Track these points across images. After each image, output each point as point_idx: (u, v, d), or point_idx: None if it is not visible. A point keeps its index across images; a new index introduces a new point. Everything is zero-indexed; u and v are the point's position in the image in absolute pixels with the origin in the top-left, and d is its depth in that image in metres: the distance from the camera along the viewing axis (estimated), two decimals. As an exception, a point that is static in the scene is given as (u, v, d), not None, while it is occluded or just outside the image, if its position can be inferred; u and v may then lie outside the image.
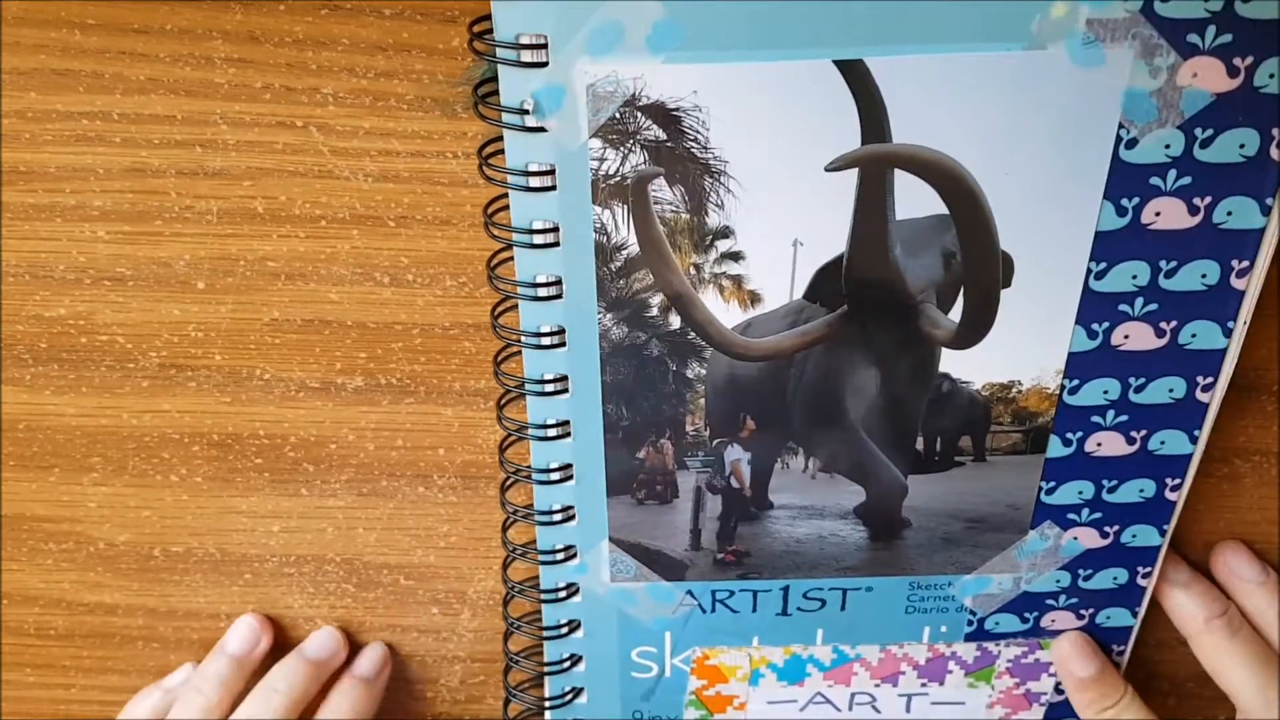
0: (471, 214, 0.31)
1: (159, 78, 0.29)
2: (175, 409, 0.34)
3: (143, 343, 0.33)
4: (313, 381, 0.33)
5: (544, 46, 0.26)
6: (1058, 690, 0.38)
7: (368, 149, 0.30)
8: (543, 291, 0.29)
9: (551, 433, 0.32)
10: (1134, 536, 0.34)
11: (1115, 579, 0.35)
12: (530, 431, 0.32)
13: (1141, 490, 0.33)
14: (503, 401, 0.32)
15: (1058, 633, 0.36)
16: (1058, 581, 0.35)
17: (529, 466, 0.33)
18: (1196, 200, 0.28)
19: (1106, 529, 0.34)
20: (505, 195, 0.29)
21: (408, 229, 0.31)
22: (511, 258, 0.29)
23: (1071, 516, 0.34)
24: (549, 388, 0.31)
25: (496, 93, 0.27)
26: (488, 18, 0.27)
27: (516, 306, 0.30)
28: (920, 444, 0.32)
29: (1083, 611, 0.36)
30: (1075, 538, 0.34)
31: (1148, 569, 0.35)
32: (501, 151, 0.28)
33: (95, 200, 0.31)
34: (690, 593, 0.35)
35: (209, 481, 0.35)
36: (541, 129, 0.27)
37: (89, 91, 0.29)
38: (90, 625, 0.38)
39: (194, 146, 0.30)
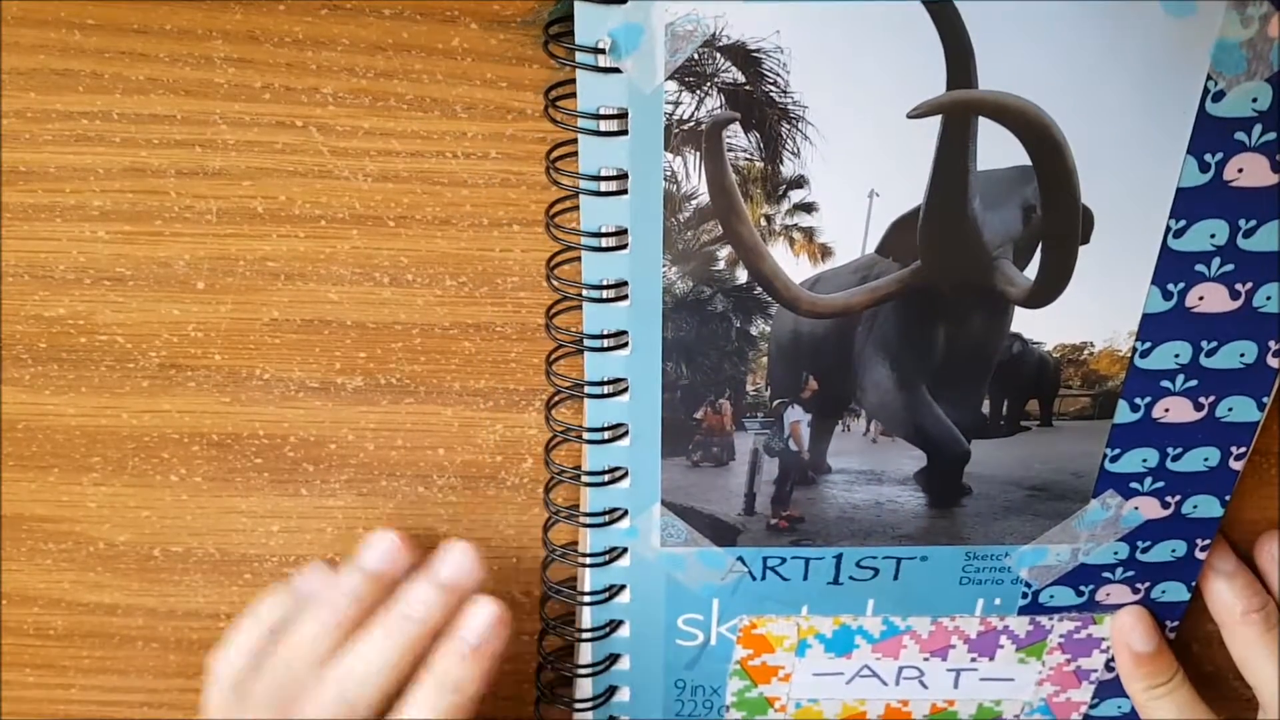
0: (471, 214, 0.31)
1: (159, 78, 0.29)
2: (175, 409, 0.34)
3: (142, 343, 0.33)
4: (312, 381, 0.33)
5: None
6: (1108, 668, 0.37)
7: (367, 149, 0.30)
8: (607, 242, 0.28)
9: (607, 390, 0.31)
10: (1195, 507, 0.33)
11: (1173, 551, 0.34)
12: (586, 389, 0.31)
13: (1206, 459, 0.32)
14: (551, 359, 0.32)
15: (1112, 607, 0.36)
16: (1115, 554, 0.34)
17: (580, 426, 0.32)
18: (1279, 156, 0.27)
19: (1168, 499, 0.33)
20: (569, 142, 0.28)
21: (407, 229, 0.31)
22: (570, 209, 0.29)
23: (1134, 485, 0.33)
24: (609, 342, 0.30)
25: (568, 33, 0.26)
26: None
27: (571, 260, 0.30)
28: (986, 407, 0.31)
29: (1139, 585, 0.35)
30: (1136, 508, 0.33)
31: (1206, 541, 0.34)
32: (569, 96, 0.27)
33: (95, 200, 0.31)
34: (741, 559, 0.34)
35: (209, 481, 0.35)
36: (615, 70, 0.26)
37: (89, 91, 0.29)
38: (89, 625, 0.38)
39: (194, 146, 0.30)
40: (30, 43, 0.29)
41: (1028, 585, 0.35)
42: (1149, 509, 0.33)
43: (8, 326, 0.33)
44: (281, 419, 0.34)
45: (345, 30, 0.28)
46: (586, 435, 0.32)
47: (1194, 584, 0.35)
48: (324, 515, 0.36)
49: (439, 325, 0.32)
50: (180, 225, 0.31)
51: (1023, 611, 0.36)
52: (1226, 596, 0.35)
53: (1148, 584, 0.35)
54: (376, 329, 0.32)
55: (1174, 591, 0.35)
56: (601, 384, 0.31)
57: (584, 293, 0.29)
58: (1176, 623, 0.36)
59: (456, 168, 0.30)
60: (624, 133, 0.27)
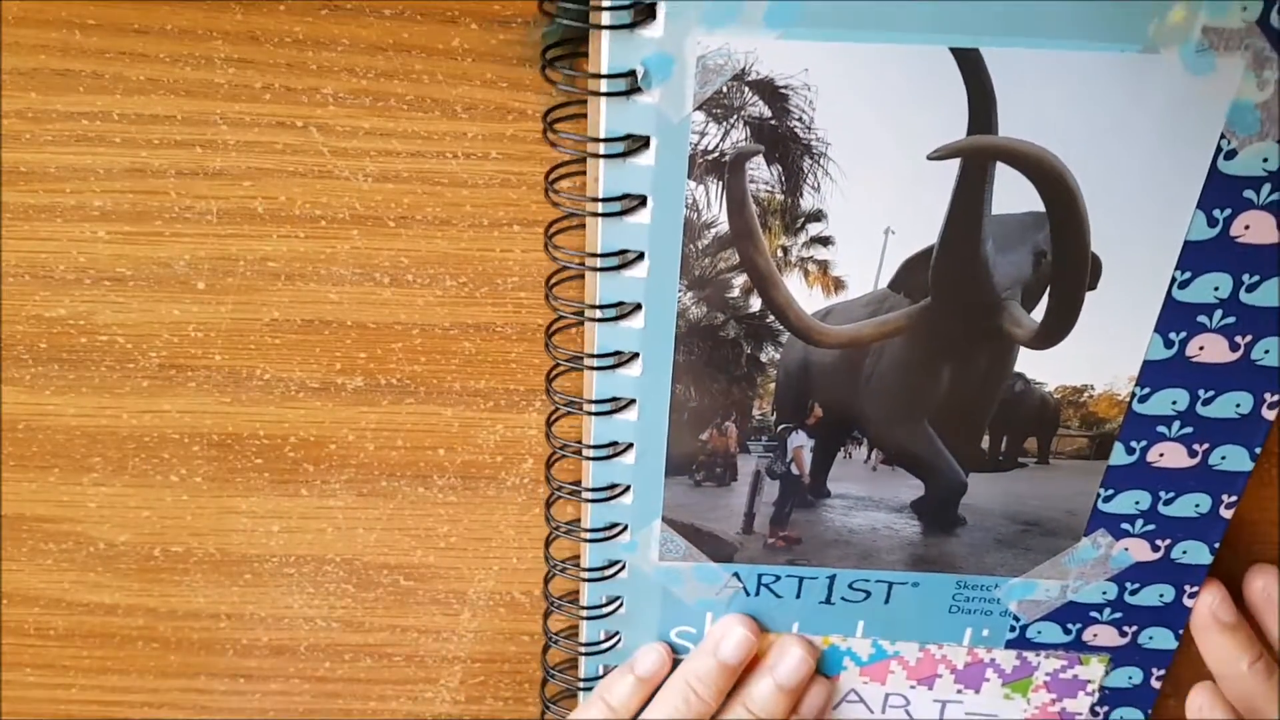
0: (471, 214, 0.31)
1: (159, 78, 0.29)
2: (175, 409, 0.34)
3: (143, 343, 0.33)
4: (313, 381, 0.33)
5: (652, 16, 0.25)
6: (1093, 711, 0.38)
7: (368, 149, 0.30)
8: (620, 262, 0.29)
9: (610, 407, 0.31)
10: (1184, 553, 0.34)
11: (1161, 596, 0.35)
12: (594, 407, 0.31)
13: (1197, 505, 0.33)
14: (551, 376, 0.32)
15: (1099, 648, 0.36)
16: (1104, 593, 0.35)
17: (578, 442, 0.33)
18: (1286, 216, 0.28)
19: (1158, 542, 0.34)
20: (567, 163, 0.28)
21: (408, 229, 0.31)
22: (572, 227, 0.29)
23: (1125, 526, 0.34)
24: (611, 360, 0.31)
25: (565, 57, 0.27)
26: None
27: (570, 278, 0.30)
28: (986, 442, 0.32)
29: (1126, 628, 0.36)
30: (1126, 549, 0.34)
31: (1194, 588, 0.35)
32: (565, 119, 0.28)
33: (95, 200, 0.31)
34: (737, 575, 0.35)
35: (209, 481, 0.35)
36: (636, 90, 0.26)
37: (89, 91, 0.29)
38: (90, 625, 0.38)
39: (194, 146, 0.30)
40: (30, 43, 0.29)
41: (1016, 618, 0.36)
42: (1139, 551, 0.34)
43: (8, 326, 0.33)
44: (282, 419, 0.34)
45: (345, 30, 0.28)
46: (590, 453, 0.32)
47: (1181, 631, 0.36)
48: (324, 515, 0.36)
49: (439, 325, 0.32)
50: (180, 225, 0.31)
51: (1010, 645, 0.36)
52: (1230, 650, 0.34)
53: (1135, 627, 0.36)
54: (377, 329, 0.33)
55: (1161, 638, 0.36)
56: (607, 402, 0.31)
57: (600, 315, 0.30)
58: (1164, 671, 0.36)
59: (456, 168, 0.30)
60: (644, 148, 0.27)
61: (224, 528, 0.36)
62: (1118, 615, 0.35)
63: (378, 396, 0.34)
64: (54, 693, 0.39)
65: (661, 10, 0.25)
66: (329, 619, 0.38)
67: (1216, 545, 0.34)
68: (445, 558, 0.37)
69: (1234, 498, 0.33)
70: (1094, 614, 0.35)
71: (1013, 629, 0.36)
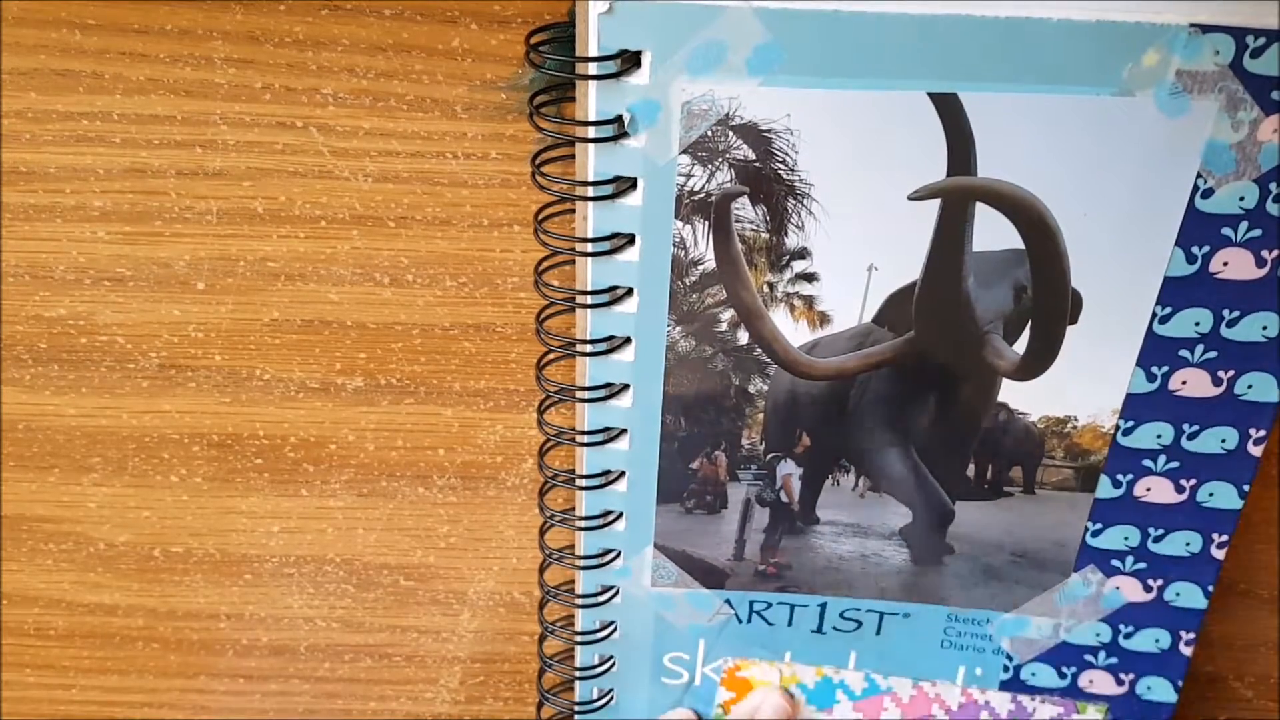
0: (471, 214, 0.31)
1: (159, 78, 0.29)
2: (175, 409, 0.34)
3: (143, 343, 0.33)
4: (313, 382, 0.33)
5: (637, 64, 0.26)
6: None
7: (368, 149, 0.30)
8: (611, 298, 0.30)
9: (602, 438, 0.32)
10: (1178, 595, 0.34)
11: (1157, 641, 0.35)
12: (586, 437, 0.32)
13: (1188, 544, 0.33)
14: (544, 406, 0.33)
15: (1095, 696, 0.36)
16: (1097, 635, 0.35)
17: (569, 470, 0.33)
18: (1264, 252, 0.28)
19: (1150, 582, 0.34)
20: (557, 201, 0.29)
21: (408, 229, 0.31)
22: (562, 263, 0.30)
23: (1115, 563, 0.34)
24: (603, 393, 0.31)
25: (551, 103, 0.28)
26: (546, 28, 0.27)
27: (560, 312, 0.31)
28: (971, 471, 0.32)
29: (1123, 676, 0.35)
30: (1118, 587, 0.34)
31: (1191, 635, 0.34)
32: (553, 160, 0.29)
33: (95, 200, 0.31)
34: (728, 601, 0.35)
35: (209, 482, 0.35)
36: (623, 135, 0.27)
37: (89, 91, 0.29)
38: (90, 625, 0.38)
39: (194, 146, 0.30)
40: (30, 43, 0.29)
41: (1009, 657, 0.36)
42: (1130, 590, 0.34)
43: (8, 327, 0.33)
44: (282, 419, 0.34)
45: (345, 30, 0.28)
46: (584, 482, 0.33)
47: (1180, 683, 0.35)
48: (324, 515, 0.36)
49: (439, 325, 0.33)
50: (180, 225, 0.31)
51: (1004, 686, 0.36)
52: None
53: (1133, 675, 0.35)
54: (377, 329, 0.33)
55: (1160, 690, 0.35)
56: (599, 432, 0.32)
57: (591, 348, 0.31)
58: None
59: (456, 168, 0.30)
60: (631, 190, 0.28)
61: (224, 528, 0.36)
62: (1113, 660, 0.35)
63: (378, 396, 0.34)
64: (54, 693, 0.39)
65: (646, 59, 0.26)
66: (329, 619, 0.38)
67: (1210, 588, 0.34)
68: (445, 558, 0.37)
69: (1225, 537, 0.33)
70: (1088, 657, 0.35)
71: (1006, 669, 0.36)
